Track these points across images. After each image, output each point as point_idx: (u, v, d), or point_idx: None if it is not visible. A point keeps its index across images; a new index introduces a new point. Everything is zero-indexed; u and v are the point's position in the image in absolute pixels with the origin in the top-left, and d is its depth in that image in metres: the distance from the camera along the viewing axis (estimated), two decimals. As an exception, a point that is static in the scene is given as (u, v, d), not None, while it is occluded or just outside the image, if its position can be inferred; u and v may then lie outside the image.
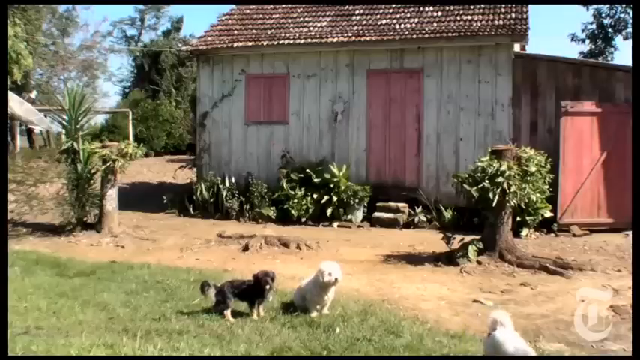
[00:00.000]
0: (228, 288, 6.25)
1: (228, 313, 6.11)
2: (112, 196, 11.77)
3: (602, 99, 12.81)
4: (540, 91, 13.32)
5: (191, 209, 14.33)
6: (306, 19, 15.94)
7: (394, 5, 15.63)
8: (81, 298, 6.92)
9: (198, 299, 6.69)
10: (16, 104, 17.32)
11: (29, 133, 19.96)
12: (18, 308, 6.23)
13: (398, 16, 15.19)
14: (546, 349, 5.51)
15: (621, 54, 35.81)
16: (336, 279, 6.05)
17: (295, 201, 13.48)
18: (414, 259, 9.67)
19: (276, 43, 14.83)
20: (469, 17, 14.36)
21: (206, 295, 6.26)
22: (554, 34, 63.57)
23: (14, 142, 18.84)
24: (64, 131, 13.15)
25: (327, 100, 14.51)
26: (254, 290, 6.18)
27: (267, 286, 6.10)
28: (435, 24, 14.41)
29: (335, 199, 13.41)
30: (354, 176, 13.98)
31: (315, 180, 13.67)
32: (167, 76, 35.30)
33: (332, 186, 13.51)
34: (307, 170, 13.86)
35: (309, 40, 14.77)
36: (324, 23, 15.47)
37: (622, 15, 26.10)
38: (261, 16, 16.64)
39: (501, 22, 13.86)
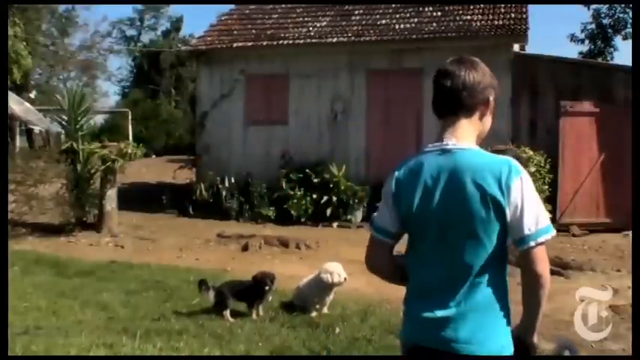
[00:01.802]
0: (227, 289, 6.26)
1: (227, 313, 6.12)
2: (111, 196, 11.76)
3: (601, 99, 12.82)
4: (540, 91, 13.33)
5: (190, 209, 14.31)
6: (306, 19, 15.95)
7: (393, 5, 15.63)
8: (80, 298, 6.92)
9: (197, 299, 6.69)
10: (15, 104, 17.32)
11: (29, 133, 19.99)
12: (17, 308, 6.23)
13: (397, 16, 15.19)
14: (545, 349, 5.51)
15: (621, 54, 35.91)
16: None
17: (295, 201, 13.48)
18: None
19: (275, 43, 14.83)
20: (468, 17, 14.36)
21: (203, 294, 6.27)
22: (553, 37, 63.66)
23: (14, 142, 18.84)
24: (63, 131, 13.16)
25: (327, 100, 14.51)
26: (253, 291, 6.19)
27: (267, 288, 6.10)
28: (434, 24, 14.42)
29: (334, 198, 13.41)
30: (353, 176, 13.95)
31: (315, 180, 13.66)
32: (166, 76, 35.32)
33: (331, 186, 13.50)
34: (307, 170, 13.84)
35: (308, 40, 14.78)
36: (324, 23, 15.47)
37: (621, 15, 26.08)
38: (260, 16, 16.64)
39: (501, 22, 13.86)
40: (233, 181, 14.39)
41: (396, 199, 2.24)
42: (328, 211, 13.40)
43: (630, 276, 6.82)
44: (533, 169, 10.86)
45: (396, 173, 2.28)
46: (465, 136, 2.28)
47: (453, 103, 2.40)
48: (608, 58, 26.59)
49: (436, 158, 2.21)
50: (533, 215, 2.07)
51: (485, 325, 2.13)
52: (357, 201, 13.41)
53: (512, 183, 2.08)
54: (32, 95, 23.21)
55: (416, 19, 14.82)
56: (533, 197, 2.10)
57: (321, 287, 6.20)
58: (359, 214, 13.51)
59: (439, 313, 2.15)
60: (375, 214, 2.36)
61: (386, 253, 2.37)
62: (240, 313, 6.20)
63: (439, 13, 14.86)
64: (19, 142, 19.88)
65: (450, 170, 2.15)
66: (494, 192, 2.07)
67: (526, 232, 2.06)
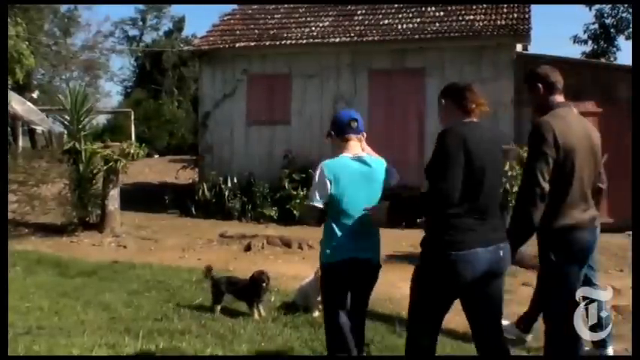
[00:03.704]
0: (224, 284, 6.33)
1: (217, 308, 6.26)
2: (114, 196, 11.77)
3: (603, 99, 12.81)
4: (542, 91, 13.30)
5: (193, 209, 14.32)
6: (308, 19, 15.96)
7: (396, 5, 15.63)
8: (83, 298, 6.93)
9: (200, 299, 6.70)
10: (17, 104, 17.31)
11: (31, 133, 19.96)
12: (20, 308, 6.24)
13: (400, 16, 15.19)
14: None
15: (624, 54, 35.69)
16: None
17: (297, 201, 13.47)
18: (415, 259, 9.62)
19: (278, 43, 14.84)
20: (471, 17, 14.36)
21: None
22: (556, 37, 63.61)
23: (16, 142, 18.83)
24: (65, 131, 13.16)
25: (329, 100, 14.51)
26: (250, 290, 6.23)
27: (264, 284, 6.16)
28: (437, 24, 14.42)
29: (337, 199, 13.37)
30: (355, 176, 13.91)
31: (317, 180, 13.62)
32: (169, 76, 35.34)
33: (334, 186, 13.46)
34: (309, 170, 13.76)
35: (311, 40, 14.79)
36: (326, 23, 15.48)
37: (624, 15, 26.06)
38: (263, 16, 16.66)
39: (503, 22, 13.86)
40: (235, 181, 14.41)
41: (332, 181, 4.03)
42: (330, 211, 13.35)
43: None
44: (535, 169, 10.80)
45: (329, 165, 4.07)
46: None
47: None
48: (611, 59, 26.57)
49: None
50: None
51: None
52: (359, 201, 13.39)
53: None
54: (35, 95, 23.17)
55: (418, 19, 14.82)
56: None
57: (317, 285, 6.21)
58: (361, 214, 13.48)
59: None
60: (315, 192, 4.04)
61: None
62: (242, 313, 6.21)
63: (442, 13, 14.86)
64: (22, 142, 19.84)
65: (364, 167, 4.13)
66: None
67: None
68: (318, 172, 4.03)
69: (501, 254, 3.67)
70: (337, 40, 14.51)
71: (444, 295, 3.64)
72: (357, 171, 4.04)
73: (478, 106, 3.79)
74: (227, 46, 15.26)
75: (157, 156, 25.43)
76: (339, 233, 3.96)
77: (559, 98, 4.24)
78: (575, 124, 4.16)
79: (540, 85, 4.24)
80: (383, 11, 15.59)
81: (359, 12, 15.74)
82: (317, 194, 3.99)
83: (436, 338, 3.75)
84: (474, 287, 3.58)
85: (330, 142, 4.21)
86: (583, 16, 32.90)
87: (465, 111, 3.78)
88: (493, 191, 3.68)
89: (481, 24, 13.99)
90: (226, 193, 14.12)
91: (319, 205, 3.99)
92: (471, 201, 3.53)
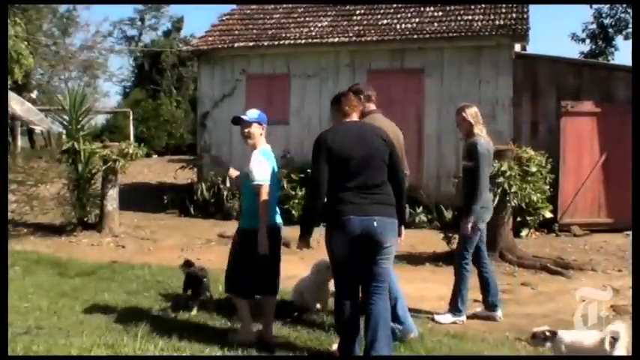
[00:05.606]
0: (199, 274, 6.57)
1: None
2: (112, 196, 11.76)
3: (602, 99, 12.82)
4: (541, 91, 13.33)
5: (192, 209, 14.32)
6: (307, 19, 15.95)
7: (395, 5, 15.63)
8: (82, 298, 6.92)
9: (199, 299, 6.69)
10: (16, 104, 17.31)
11: (30, 133, 19.95)
12: (19, 308, 6.24)
13: (399, 16, 15.20)
14: (547, 349, 5.51)
15: (622, 54, 35.75)
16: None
17: (296, 201, 13.45)
18: (414, 259, 9.66)
19: (276, 43, 14.84)
20: (470, 17, 14.36)
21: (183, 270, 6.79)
22: (555, 34, 63.63)
23: (15, 143, 18.82)
24: (64, 131, 13.15)
25: (328, 100, 14.36)
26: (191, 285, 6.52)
27: (205, 280, 6.40)
28: (435, 24, 14.42)
29: (335, 199, 13.35)
30: (354, 176, 13.89)
31: (316, 180, 13.60)
32: (168, 76, 35.26)
33: (332, 186, 13.44)
34: (308, 170, 13.72)
35: (309, 40, 14.78)
36: (325, 23, 15.48)
37: (623, 15, 26.08)
38: (261, 16, 16.65)
39: (502, 22, 13.86)
40: (234, 181, 14.38)
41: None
42: (329, 211, 13.33)
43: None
44: (534, 169, 10.83)
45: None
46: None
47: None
48: (610, 58, 26.58)
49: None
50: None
51: None
52: (358, 201, 13.38)
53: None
54: (34, 95, 23.16)
55: (417, 19, 14.82)
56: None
57: (315, 285, 6.22)
58: (360, 214, 13.46)
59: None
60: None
61: None
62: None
63: (440, 13, 14.86)
64: (21, 142, 19.83)
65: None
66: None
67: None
68: (260, 159, 5.78)
69: (375, 224, 4.59)
70: (336, 40, 14.51)
71: (345, 251, 4.63)
72: (272, 157, 5.82)
73: (352, 108, 5.00)
74: (226, 46, 15.25)
75: (155, 156, 25.41)
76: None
77: (372, 106, 5.79)
78: (383, 123, 5.51)
79: (361, 97, 5.59)
80: (382, 11, 15.59)
81: (358, 12, 15.74)
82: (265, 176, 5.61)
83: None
84: (355, 247, 4.59)
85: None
86: (583, 15, 32.99)
87: (344, 114, 5.00)
88: (375, 173, 4.68)
89: (480, 24, 13.99)
90: (225, 193, 14.10)
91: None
92: (353, 181, 4.62)
